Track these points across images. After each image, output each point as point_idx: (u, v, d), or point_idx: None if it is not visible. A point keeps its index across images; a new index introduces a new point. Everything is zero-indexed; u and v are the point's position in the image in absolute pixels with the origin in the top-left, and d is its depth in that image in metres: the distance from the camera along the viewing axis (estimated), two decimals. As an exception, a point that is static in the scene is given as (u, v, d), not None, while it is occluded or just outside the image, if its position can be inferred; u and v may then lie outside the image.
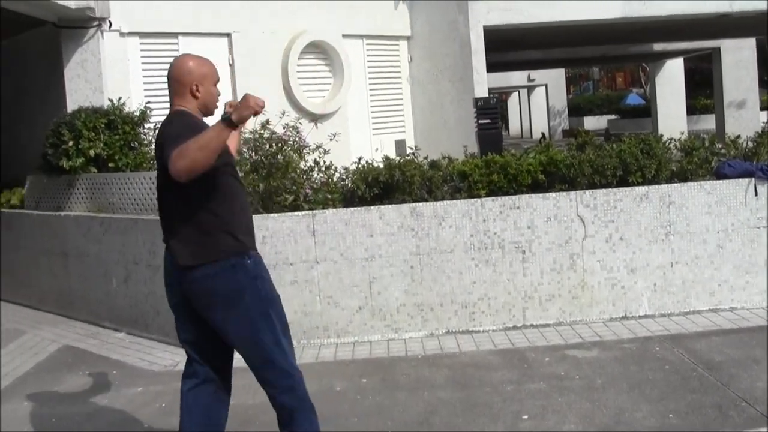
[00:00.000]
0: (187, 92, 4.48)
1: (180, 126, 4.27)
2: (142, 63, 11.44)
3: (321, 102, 13.44)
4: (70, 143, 9.44)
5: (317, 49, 13.48)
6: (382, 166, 8.31)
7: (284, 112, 9.06)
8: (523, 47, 23.36)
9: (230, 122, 3.98)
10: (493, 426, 5.66)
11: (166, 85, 4.58)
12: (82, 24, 10.90)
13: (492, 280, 7.93)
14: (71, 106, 10.67)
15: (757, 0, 14.50)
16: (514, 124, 57.86)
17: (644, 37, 23.38)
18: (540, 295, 7.97)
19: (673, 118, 31.00)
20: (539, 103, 51.54)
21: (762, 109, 27.16)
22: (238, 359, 4.58)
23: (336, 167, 8.60)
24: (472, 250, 7.89)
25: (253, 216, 7.51)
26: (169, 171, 4.10)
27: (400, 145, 14.14)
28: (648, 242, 8.01)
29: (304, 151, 8.75)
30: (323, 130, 10.03)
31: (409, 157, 8.56)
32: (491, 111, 13.16)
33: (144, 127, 9.85)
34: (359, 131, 13.96)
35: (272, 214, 7.89)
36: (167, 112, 4.58)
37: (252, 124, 8.32)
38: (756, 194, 8.08)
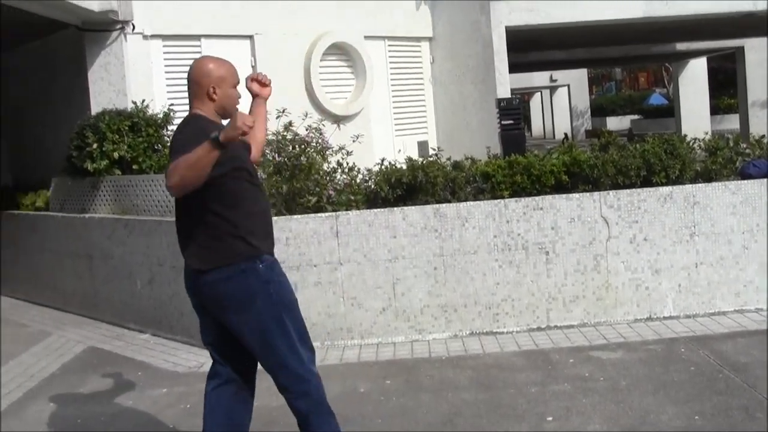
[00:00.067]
0: (204, 95, 4.47)
1: (188, 134, 4.26)
2: (165, 65, 11.48)
3: (343, 103, 13.45)
4: (95, 146, 9.49)
5: (339, 50, 13.49)
6: (405, 167, 8.31)
7: (307, 114, 9.09)
8: (545, 48, 23.32)
9: (218, 142, 3.94)
10: (517, 427, 5.64)
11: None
12: (106, 27, 10.95)
13: (516, 282, 7.91)
14: (95, 108, 10.72)
15: (782, -1, 14.40)
16: (536, 125, 57.67)
17: (667, 37, 23.27)
18: (564, 296, 7.94)
19: (696, 117, 30.80)
20: (562, 103, 51.38)
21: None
22: (262, 361, 4.59)
23: (359, 168, 8.61)
24: (495, 251, 7.88)
25: (277, 218, 7.61)
26: None
27: (422, 146, 14.14)
28: (672, 243, 7.97)
29: (327, 152, 8.76)
30: (346, 131, 10.06)
31: (432, 158, 8.56)
32: (514, 112, 13.15)
33: (167, 129, 9.88)
34: (382, 132, 13.97)
35: (295, 216, 7.90)
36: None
37: (275, 125, 8.35)
38: (781, 194, 8.03)
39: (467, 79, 14.14)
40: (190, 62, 4.63)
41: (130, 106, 10.26)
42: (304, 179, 8.28)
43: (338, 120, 11.59)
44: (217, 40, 11.77)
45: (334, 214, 7.89)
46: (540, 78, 45.00)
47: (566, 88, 49.49)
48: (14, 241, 11.52)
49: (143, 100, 10.12)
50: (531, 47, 21.56)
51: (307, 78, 12.90)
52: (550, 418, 5.72)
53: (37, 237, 10.98)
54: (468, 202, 7.97)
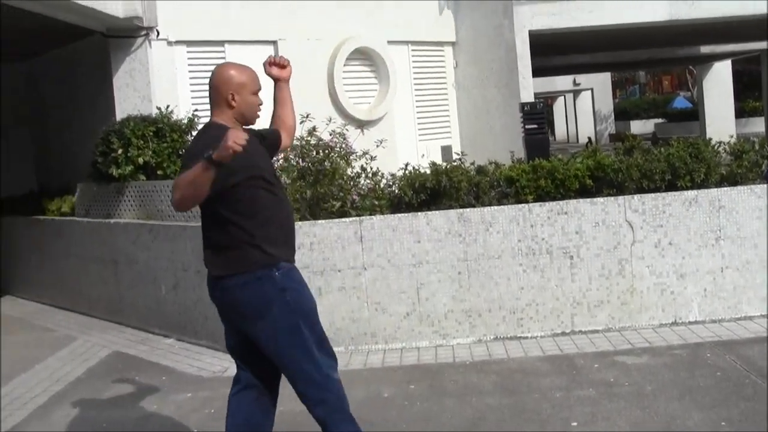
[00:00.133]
0: (223, 101, 4.47)
1: (199, 146, 4.23)
2: (189, 71, 11.55)
3: (367, 108, 13.47)
4: (120, 151, 9.54)
5: (363, 55, 13.52)
6: (428, 172, 8.31)
7: (330, 119, 9.10)
8: (568, 51, 23.25)
9: (212, 160, 3.93)
10: (542, 433, 5.64)
11: (211, 93, 4.61)
12: (131, 33, 11.02)
13: (540, 286, 7.89)
14: (120, 114, 10.78)
15: (808, 1, 14.31)
16: (560, 129, 57.51)
17: (691, 40, 23.15)
18: (588, 300, 7.91)
19: (721, 121, 30.63)
20: (585, 107, 51.18)
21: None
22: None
23: (383, 173, 8.61)
24: (519, 255, 7.86)
25: (301, 223, 7.62)
26: None
27: (446, 150, 14.14)
28: (698, 247, 7.93)
29: (351, 157, 8.77)
30: (369, 136, 10.07)
31: (455, 163, 8.56)
32: (538, 116, 13.14)
33: (191, 135, 9.90)
34: (405, 137, 13.99)
35: (319, 221, 7.91)
36: (212, 119, 4.61)
37: (299, 131, 8.36)
38: (808, 198, 7.97)
39: (491, 83, 14.14)
40: (214, 68, 4.64)
41: (154, 111, 10.31)
42: (328, 184, 8.29)
43: (362, 125, 11.62)
44: (241, 45, 11.82)
45: (358, 219, 7.89)
46: (563, 82, 44.90)
47: (590, 91, 49.31)
48: (40, 246, 11.60)
49: (168, 106, 10.16)
50: (554, 51, 21.51)
51: (330, 83, 12.93)
52: (574, 424, 5.70)
53: (62, 242, 11.05)
54: (492, 207, 7.95)
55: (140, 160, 9.55)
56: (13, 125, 14.13)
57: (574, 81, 45.81)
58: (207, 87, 4.57)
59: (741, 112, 36.55)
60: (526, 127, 13.02)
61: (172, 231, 8.75)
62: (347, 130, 9.04)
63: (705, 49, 26.22)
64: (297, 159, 8.57)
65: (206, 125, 4.57)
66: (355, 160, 8.79)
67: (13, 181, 13.44)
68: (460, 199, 8.14)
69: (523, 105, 13.18)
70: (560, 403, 6.10)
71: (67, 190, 11.55)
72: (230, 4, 11.84)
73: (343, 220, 7.90)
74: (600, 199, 7.92)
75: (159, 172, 9.58)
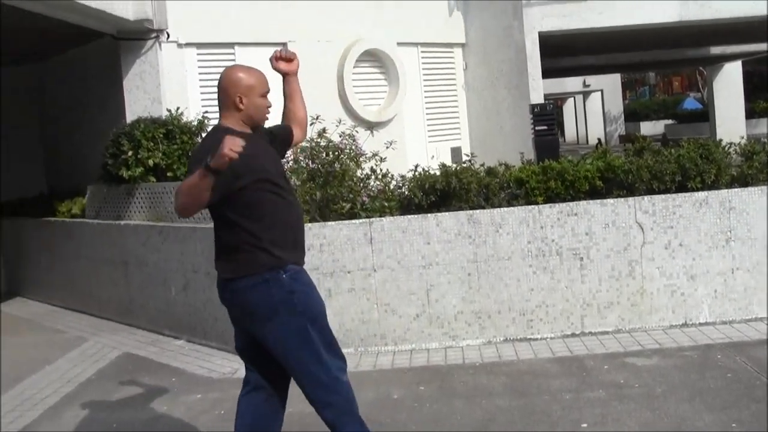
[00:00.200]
0: (231, 104, 4.46)
1: (205, 149, 4.21)
2: (200, 73, 11.58)
3: (377, 110, 13.48)
4: (130, 153, 9.57)
5: (372, 57, 13.53)
6: (438, 173, 8.30)
7: (340, 121, 9.11)
8: (578, 53, 23.23)
9: (209, 168, 3.95)
10: (552, 434, 5.63)
11: (220, 96, 4.61)
12: (141, 36, 11.05)
13: (550, 288, 7.88)
14: (130, 116, 10.81)
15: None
16: (569, 131, 57.46)
17: (701, 41, 23.12)
18: (598, 302, 7.90)
19: (731, 122, 30.54)
20: (595, 108, 51.15)
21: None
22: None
23: (392, 175, 8.61)
24: (529, 257, 7.85)
25: (310, 224, 7.63)
26: None
27: (456, 152, 14.14)
28: (708, 248, 7.91)
29: (361, 159, 8.78)
30: (379, 138, 10.07)
31: (465, 165, 8.55)
32: (548, 117, 13.14)
33: (201, 137, 9.92)
34: (415, 139, 13.99)
35: (329, 223, 7.91)
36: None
37: (309, 133, 8.37)
38: (819, 199, 7.95)
39: (500, 84, 14.13)
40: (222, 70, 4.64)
41: (164, 113, 10.34)
42: (338, 186, 8.29)
43: (371, 126, 11.62)
44: (251, 47, 11.84)
45: (367, 220, 7.89)
46: (573, 83, 44.87)
47: (599, 93, 49.29)
48: (50, 247, 11.63)
49: (177, 108, 10.19)
50: (564, 52, 21.50)
51: (340, 85, 12.95)
52: (584, 425, 5.69)
53: (73, 244, 11.08)
54: (502, 208, 7.95)
55: (150, 162, 9.58)
56: (24, 127, 14.17)
57: (584, 82, 45.80)
58: (216, 89, 4.57)
59: (751, 113, 36.43)
60: (536, 128, 13.01)
61: (182, 233, 8.77)
62: (357, 131, 9.04)
63: (715, 50, 26.19)
64: (307, 161, 8.58)
65: (213, 129, 4.58)
66: (365, 161, 8.79)
67: (23, 182, 13.48)
68: (469, 201, 8.13)
69: (532, 106, 13.18)
70: (570, 405, 6.10)
71: (77, 191, 11.58)
72: (240, 7, 11.85)
73: (353, 221, 7.90)
74: (610, 201, 7.90)
75: (169, 174, 9.60)
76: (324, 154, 8.61)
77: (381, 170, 8.62)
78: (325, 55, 12.77)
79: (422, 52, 14.33)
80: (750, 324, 7.83)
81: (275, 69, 4.86)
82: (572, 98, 55.35)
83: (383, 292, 7.86)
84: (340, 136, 8.83)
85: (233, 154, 3.87)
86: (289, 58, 4.88)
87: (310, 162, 8.56)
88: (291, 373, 4.54)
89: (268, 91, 4.55)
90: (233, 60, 11.47)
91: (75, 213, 11.26)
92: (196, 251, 8.54)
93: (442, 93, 14.67)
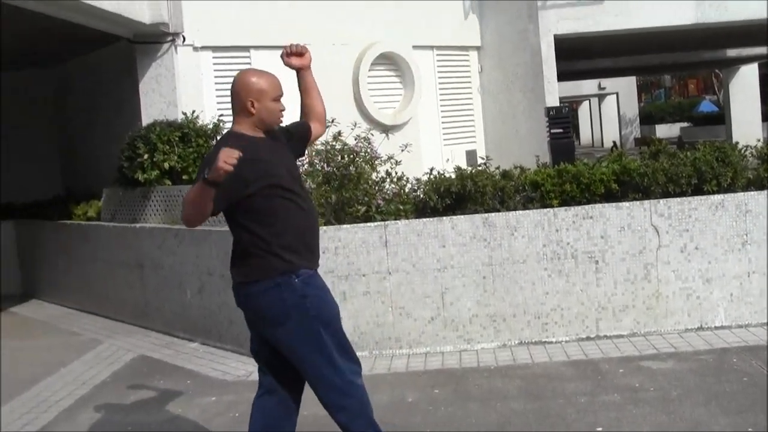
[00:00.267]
0: (243, 108, 4.45)
1: (213, 156, 4.17)
2: (215, 76, 11.58)
3: (392, 113, 13.47)
4: (145, 156, 9.59)
5: (388, 60, 13.52)
6: (453, 176, 8.29)
7: (356, 124, 9.13)
8: (593, 56, 23.19)
9: (207, 181, 3.98)
10: (567, 438, 5.62)
11: (236, 99, 4.61)
12: (157, 39, 11.07)
13: (565, 291, 7.86)
14: (146, 119, 10.83)
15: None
16: (585, 134, 57.34)
17: (717, 43, 23.05)
18: (613, 305, 7.88)
19: (747, 124, 30.45)
20: (610, 111, 51.05)
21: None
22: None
23: (408, 178, 8.60)
24: (544, 260, 7.84)
25: (326, 227, 7.63)
26: None
27: (471, 155, 14.12)
28: (724, 251, 7.88)
29: (376, 162, 8.78)
30: (394, 141, 10.07)
31: (480, 168, 8.54)
32: (563, 120, 13.11)
33: (216, 140, 9.94)
34: (430, 142, 13.97)
35: (345, 226, 7.92)
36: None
37: (324, 135, 8.38)
38: (836, 202, 7.91)
39: (516, 87, 14.12)
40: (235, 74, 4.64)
41: (180, 117, 10.35)
42: (353, 189, 8.29)
43: (387, 130, 11.61)
44: (267, 51, 11.82)
45: (383, 223, 7.89)
46: (588, 86, 44.78)
47: (615, 96, 49.20)
48: (67, 250, 11.67)
49: (193, 111, 10.21)
50: (579, 55, 21.46)
51: (355, 88, 12.94)
52: (599, 429, 5.68)
53: (88, 246, 11.11)
54: (517, 212, 7.94)
55: (166, 165, 9.59)
56: (41, 130, 14.24)
57: (599, 85, 45.67)
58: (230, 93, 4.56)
59: (768, 116, 36.32)
60: (552, 131, 12.99)
61: (197, 235, 8.78)
62: (372, 134, 9.05)
63: (731, 53, 26.11)
64: (322, 164, 8.59)
65: (225, 135, 4.59)
66: (380, 164, 8.79)
67: (40, 185, 13.54)
68: (485, 204, 8.12)
69: (548, 109, 13.16)
70: (585, 408, 6.08)
71: (93, 194, 11.62)
72: (256, 10, 11.86)
73: (368, 224, 7.90)
74: (625, 204, 7.88)
75: (184, 177, 9.62)
76: (339, 157, 8.62)
77: (396, 173, 8.62)
78: (341, 58, 12.77)
79: (437, 55, 14.32)
80: (766, 327, 7.79)
81: (287, 65, 4.84)
82: (587, 101, 55.26)
83: (398, 295, 7.86)
84: (356, 139, 8.84)
85: (228, 167, 3.90)
86: (301, 53, 4.82)
87: (325, 165, 8.57)
88: (305, 377, 4.55)
89: (281, 95, 4.53)
90: (249, 63, 11.49)
91: (91, 216, 11.30)
92: (211, 254, 8.55)
93: (457, 96, 14.65)
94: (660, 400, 6.13)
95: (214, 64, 11.64)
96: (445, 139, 14.33)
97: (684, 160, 8.30)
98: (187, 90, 11.23)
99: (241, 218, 4.37)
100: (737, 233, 7.87)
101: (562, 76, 16.17)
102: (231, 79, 4.59)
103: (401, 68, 13.68)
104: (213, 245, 8.48)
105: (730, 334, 7.70)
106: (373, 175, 8.63)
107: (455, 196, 8.12)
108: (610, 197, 8.10)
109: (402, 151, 8.99)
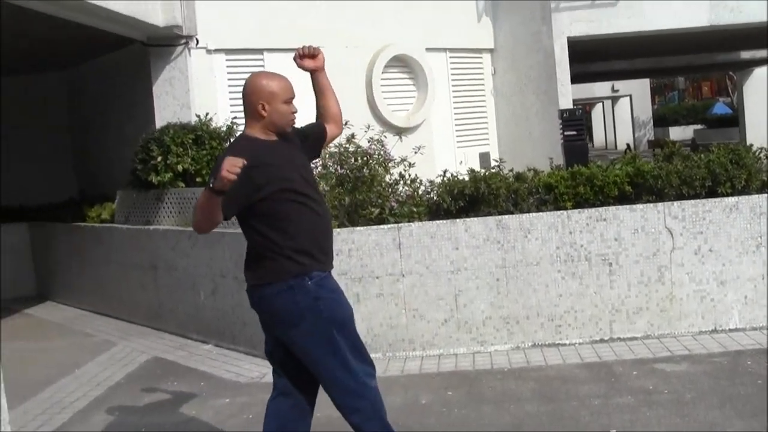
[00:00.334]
0: (254, 111, 4.45)
1: (220, 164, 4.15)
2: (228, 79, 11.61)
3: (405, 115, 13.47)
4: (159, 159, 9.61)
5: (401, 62, 13.53)
6: (467, 178, 8.29)
7: (369, 126, 9.12)
8: (607, 58, 23.14)
9: (213, 189, 4.01)
10: (581, 440, 5.61)
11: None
12: (170, 42, 11.10)
13: (578, 293, 7.85)
14: (160, 122, 10.86)
15: None
16: (598, 136, 57.24)
17: (731, 45, 22.97)
18: (627, 308, 7.86)
19: (761, 127, 30.21)
20: (624, 114, 50.94)
21: None
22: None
23: (421, 180, 8.61)
24: (558, 262, 7.83)
25: (339, 229, 7.64)
26: None
27: (484, 157, 14.11)
28: (738, 254, 7.86)
29: (389, 164, 8.79)
30: (408, 143, 10.07)
31: (494, 170, 8.54)
32: (577, 122, 13.08)
33: (230, 142, 9.96)
34: (443, 144, 13.97)
35: (358, 228, 7.92)
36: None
37: (338, 138, 8.39)
38: None
39: (529, 90, 14.11)
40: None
41: (193, 119, 10.38)
42: (367, 191, 8.30)
43: (400, 132, 11.63)
44: (280, 53, 11.84)
45: (396, 225, 7.89)
46: (602, 88, 44.73)
47: (628, 98, 49.10)
48: (81, 252, 11.71)
49: (207, 114, 10.24)
50: (593, 57, 21.42)
51: (369, 90, 12.96)
52: (613, 431, 5.67)
53: (102, 249, 11.14)
54: (530, 214, 7.93)
55: (179, 168, 9.62)
56: (55, 132, 14.30)
57: (613, 87, 45.64)
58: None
59: (782, 118, 36.15)
60: (565, 133, 12.97)
61: (211, 238, 8.79)
62: (385, 137, 9.07)
63: (745, 55, 26.01)
64: (335, 166, 8.60)
65: (236, 138, 4.61)
66: (394, 167, 8.80)
67: (54, 187, 13.60)
68: (498, 206, 8.12)
69: (561, 112, 13.14)
70: (599, 411, 6.07)
71: (106, 197, 11.66)
72: (269, 13, 11.88)
73: (382, 226, 7.91)
74: (639, 206, 7.87)
75: (198, 179, 9.64)
76: (352, 160, 8.63)
77: (409, 175, 8.63)
78: (354, 60, 12.78)
79: (451, 57, 14.32)
80: (781, 330, 7.77)
81: (301, 67, 4.83)
82: (601, 103, 55.13)
83: (411, 297, 7.86)
84: (369, 142, 8.85)
85: (231, 176, 3.92)
86: (314, 54, 4.82)
87: (338, 167, 8.59)
88: (318, 379, 4.55)
89: (292, 97, 4.52)
90: (262, 66, 11.51)
91: (105, 218, 11.34)
92: (225, 256, 8.57)
93: (470, 98, 14.65)
94: (674, 403, 6.11)
95: (228, 66, 11.67)
96: (458, 142, 14.34)
97: (698, 163, 8.29)
98: (201, 92, 11.26)
99: (253, 222, 4.38)
100: (751, 235, 7.85)
101: (576, 79, 16.15)
102: (244, 82, 4.59)
103: (414, 70, 13.69)
104: (226, 247, 8.50)
105: (745, 337, 7.67)
106: (387, 178, 8.64)
107: (469, 198, 8.13)
108: (623, 199, 8.09)
109: (415, 153, 8.99)
